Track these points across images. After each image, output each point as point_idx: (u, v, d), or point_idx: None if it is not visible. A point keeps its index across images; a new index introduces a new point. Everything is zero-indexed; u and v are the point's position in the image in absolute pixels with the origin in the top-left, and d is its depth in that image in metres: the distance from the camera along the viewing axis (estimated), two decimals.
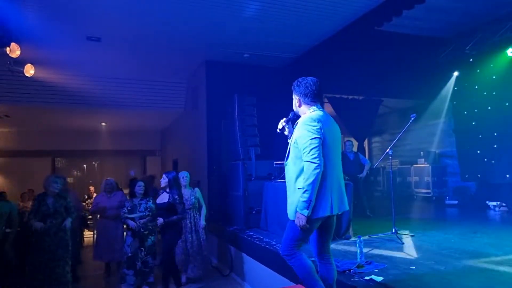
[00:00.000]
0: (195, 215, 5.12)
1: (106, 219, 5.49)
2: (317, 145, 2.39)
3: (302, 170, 2.45)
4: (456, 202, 8.25)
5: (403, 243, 4.28)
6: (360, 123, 8.85)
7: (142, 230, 4.67)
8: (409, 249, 4.04)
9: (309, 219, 2.39)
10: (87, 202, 8.71)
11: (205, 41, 6.46)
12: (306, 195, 2.36)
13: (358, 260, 3.42)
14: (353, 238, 4.64)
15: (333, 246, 4.24)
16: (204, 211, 5.23)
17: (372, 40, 6.37)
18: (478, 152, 7.70)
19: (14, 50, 4.63)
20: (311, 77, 2.67)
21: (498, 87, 7.20)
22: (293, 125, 2.77)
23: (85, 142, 12.68)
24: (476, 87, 7.67)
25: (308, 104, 2.62)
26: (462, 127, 8.14)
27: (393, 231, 4.62)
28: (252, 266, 4.71)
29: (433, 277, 2.98)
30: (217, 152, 7.20)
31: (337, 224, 4.69)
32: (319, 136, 2.41)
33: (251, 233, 5.27)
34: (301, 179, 2.45)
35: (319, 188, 2.41)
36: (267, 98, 6.88)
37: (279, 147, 4.37)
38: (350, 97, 8.83)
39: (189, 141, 9.21)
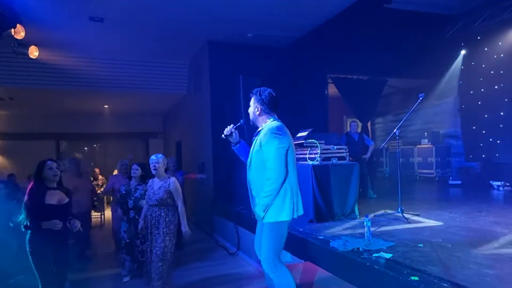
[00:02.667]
0: (162, 213, 3.80)
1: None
2: (282, 154, 2.51)
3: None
4: (459, 182, 8.30)
5: (409, 222, 4.32)
6: (365, 104, 8.81)
7: (137, 217, 4.48)
8: (415, 227, 4.09)
9: (284, 222, 2.58)
10: (93, 183, 8.80)
11: (208, 21, 6.34)
12: (266, 199, 2.50)
13: (366, 238, 3.46)
14: (358, 218, 4.70)
15: (339, 225, 4.31)
16: (180, 210, 3.84)
17: (378, 18, 6.25)
18: (484, 132, 7.68)
19: (19, 32, 4.54)
20: (270, 89, 2.77)
21: (505, 66, 7.11)
22: (245, 134, 2.84)
23: (88, 125, 12.69)
24: (483, 65, 7.58)
25: (268, 113, 2.71)
26: (467, 106, 8.09)
27: (399, 210, 4.67)
28: None
29: (441, 254, 3.02)
30: (222, 134, 7.19)
31: (343, 204, 4.77)
32: (285, 146, 2.54)
33: None
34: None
35: (288, 192, 2.57)
36: (271, 79, 6.79)
37: None
38: (355, 77, 8.76)
39: (192, 123, 9.19)
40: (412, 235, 3.71)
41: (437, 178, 9.18)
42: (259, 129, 2.71)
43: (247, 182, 2.81)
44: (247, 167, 2.73)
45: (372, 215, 4.73)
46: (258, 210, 2.56)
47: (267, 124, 2.66)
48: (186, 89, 9.34)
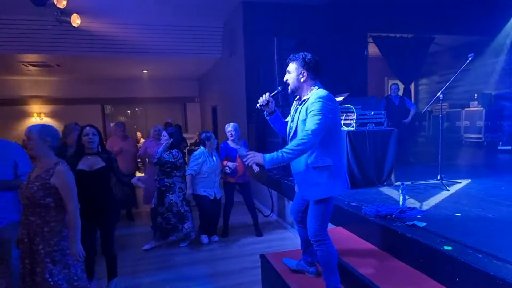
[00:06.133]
0: (37, 221, 2.38)
1: (154, 165, 5.81)
2: (324, 124, 2.29)
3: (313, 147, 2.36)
4: (510, 147, 7.76)
5: (449, 190, 4.17)
6: (408, 64, 8.26)
7: (158, 185, 4.57)
8: (455, 196, 3.95)
9: (330, 197, 2.47)
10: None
11: None
12: (287, 156, 2.25)
13: (401, 205, 3.41)
14: (395, 184, 4.60)
15: (374, 192, 4.27)
16: (72, 218, 2.44)
17: None
18: None
19: (60, 1, 4.67)
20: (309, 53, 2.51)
21: None
22: (279, 100, 2.60)
23: (130, 90, 13.20)
24: None
25: (313, 79, 2.47)
26: None
27: (438, 178, 4.50)
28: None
29: (480, 223, 2.92)
30: (256, 99, 7.10)
31: (379, 171, 4.67)
32: (330, 116, 2.32)
33: (291, 178, 5.39)
34: (313, 156, 2.39)
35: (340, 166, 2.46)
36: (307, 39, 6.52)
37: None
38: (398, 35, 8.17)
39: (227, 88, 9.21)
40: (450, 204, 3.59)
41: (485, 143, 8.62)
42: (303, 98, 2.48)
43: None
44: (288, 138, 2.57)
45: (409, 182, 4.60)
46: (269, 157, 2.26)
47: (313, 92, 2.42)
48: (221, 52, 9.27)
